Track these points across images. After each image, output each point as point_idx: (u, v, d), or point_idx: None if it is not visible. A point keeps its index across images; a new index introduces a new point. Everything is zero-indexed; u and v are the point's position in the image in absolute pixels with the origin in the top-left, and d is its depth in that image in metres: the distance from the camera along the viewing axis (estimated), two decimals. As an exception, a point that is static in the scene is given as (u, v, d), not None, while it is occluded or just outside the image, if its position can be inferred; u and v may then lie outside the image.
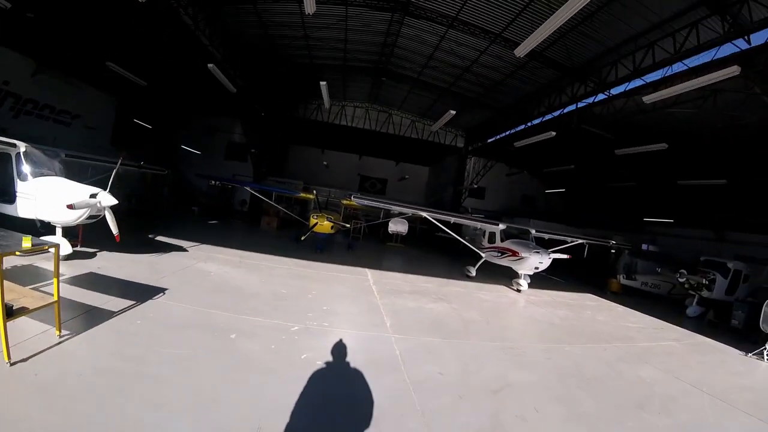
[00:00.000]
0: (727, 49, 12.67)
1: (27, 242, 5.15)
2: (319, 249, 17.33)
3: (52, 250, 5.55)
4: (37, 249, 5.48)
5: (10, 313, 4.91)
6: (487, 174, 34.17)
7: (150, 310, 7.30)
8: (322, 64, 23.88)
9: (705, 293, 16.57)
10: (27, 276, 7.94)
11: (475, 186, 33.10)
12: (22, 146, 9.97)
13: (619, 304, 17.12)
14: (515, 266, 16.17)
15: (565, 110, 21.16)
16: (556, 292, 17.49)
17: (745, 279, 17.29)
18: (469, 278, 17.06)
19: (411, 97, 28.36)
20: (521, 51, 13.07)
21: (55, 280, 5.57)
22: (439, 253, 25.38)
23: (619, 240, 21.70)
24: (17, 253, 5.06)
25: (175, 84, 26.22)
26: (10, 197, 9.86)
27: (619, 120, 19.84)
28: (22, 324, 5.48)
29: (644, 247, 24.82)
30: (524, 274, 16.23)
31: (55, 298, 5.52)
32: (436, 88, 25.22)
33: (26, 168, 9.80)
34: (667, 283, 19.62)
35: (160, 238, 15.07)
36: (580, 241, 18.91)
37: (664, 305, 18.19)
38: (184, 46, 19.53)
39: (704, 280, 16.42)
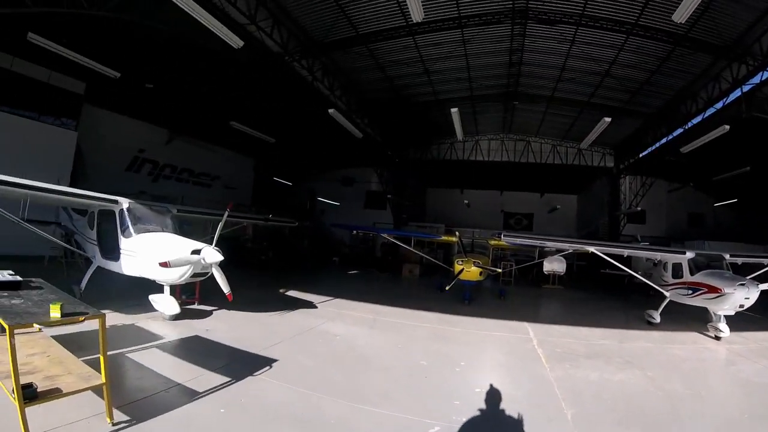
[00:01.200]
0: None
1: (56, 311, 4.07)
2: (467, 299, 14.92)
3: (97, 320, 4.37)
4: (67, 321, 4.26)
5: (33, 396, 3.75)
6: (646, 194, 29.36)
7: (243, 393, 5.72)
8: (448, 98, 22.59)
9: None
10: (125, 338, 7.50)
11: (638, 209, 28.31)
12: (125, 203, 9.83)
13: None
14: (713, 306, 12.09)
15: (729, 99, 17.56)
16: (758, 333, 13.01)
17: None
18: (651, 325, 13.53)
19: (548, 118, 25.98)
20: (680, 16, 10.82)
21: (101, 358, 4.33)
22: (604, 294, 21.51)
23: None
24: (36, 326, 4.21)
25: (305, 139, 26.62)
26: (115, 254, 9.62)
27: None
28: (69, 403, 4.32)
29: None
30: (723, 316, 12.35)
31: (103, 380, 4.28)
32: (575, 103, 22.75)
33: (130, 224, 9.57)
34: None
35: (291, 293, 14.16)
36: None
37: None
38: (305, 99, 19.47)
39: None
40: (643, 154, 26.19)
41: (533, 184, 36.99)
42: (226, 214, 9.72)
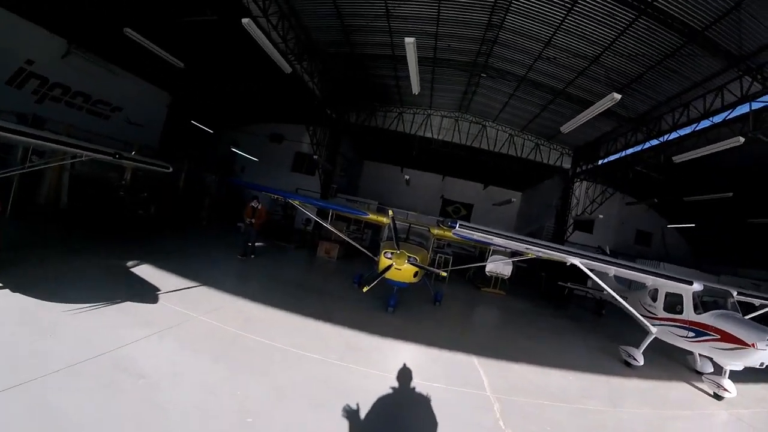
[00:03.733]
0: None
1: None
2: (392, 307, 10.75)
3: None
4: None
5: None
6: (603, 203, 27.03)
7: None
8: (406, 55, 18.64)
9: None
10: None
11: (600, 216, 25.40)
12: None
13: None
14: (724, 359, 8.98)
15: (732, 114, 15.15)
16: (753, 387, 10.29)
17: None
18: (631, 367, 10.20)
19: (512, 103, 22.74)
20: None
21: None
22: (548, 306, 18.48)
23: None
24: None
25: (225, 70, 21.59)
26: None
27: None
28: None
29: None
30: (729, 370, 9.15)
31: None
32: (548, 89, 19.51)
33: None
34: None
35: (141, 269, 9.55)
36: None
37: None
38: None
39: None
40: (609, 159, 23.94)
41: (478, 174, 34.33)
42: None
